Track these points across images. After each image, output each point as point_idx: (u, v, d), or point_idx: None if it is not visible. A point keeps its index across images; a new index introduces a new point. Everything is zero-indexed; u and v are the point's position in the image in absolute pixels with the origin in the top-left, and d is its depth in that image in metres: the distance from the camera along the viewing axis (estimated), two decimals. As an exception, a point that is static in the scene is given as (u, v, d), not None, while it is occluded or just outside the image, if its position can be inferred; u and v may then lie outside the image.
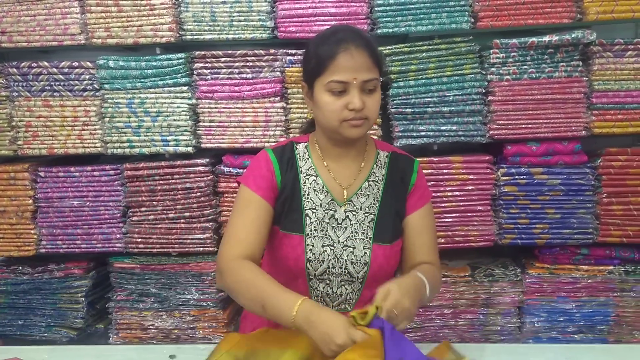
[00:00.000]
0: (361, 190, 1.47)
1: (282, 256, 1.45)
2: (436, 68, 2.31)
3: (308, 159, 1.50)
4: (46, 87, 2.42)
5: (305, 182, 1.46)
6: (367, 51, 1.36)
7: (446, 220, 2.37)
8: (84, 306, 2.49)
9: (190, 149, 2.40)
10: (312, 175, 1.48)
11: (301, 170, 1.48)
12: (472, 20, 2.30)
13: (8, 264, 2.59)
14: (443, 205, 2.37)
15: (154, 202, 2.42)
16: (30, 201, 2.45)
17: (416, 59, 2.30)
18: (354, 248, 1.43)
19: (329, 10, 2.33)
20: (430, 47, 2.29)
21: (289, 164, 1.48)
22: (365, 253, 1.43)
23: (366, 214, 1.46)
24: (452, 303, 2.42)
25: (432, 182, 2.36)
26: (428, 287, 1.35)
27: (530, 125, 2.31)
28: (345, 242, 1.43)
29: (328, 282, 1.44)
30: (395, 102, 2.33)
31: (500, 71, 2.30)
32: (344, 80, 1.34)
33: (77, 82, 2.40)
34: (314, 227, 1.43)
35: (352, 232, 1.44)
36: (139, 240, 2.44)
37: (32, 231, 2.47)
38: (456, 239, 2.38)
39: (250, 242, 1.40)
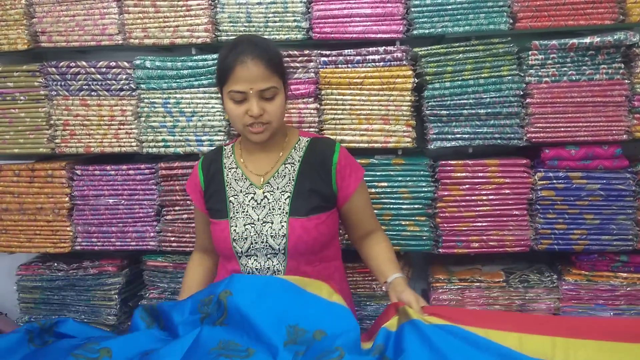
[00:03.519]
0: (278, 173, 1.66)
1: (215, 241, 1.71)
2: (473, 69, 2.27)
3: (231, 155, 1.73)
4: (84, 87, 2.45)
5: (228, 175, 1.69)
6: (263, 62, 1.52)
7: (481, 224, 2.33)
8: (117, 303, 2.51)
9: (223, 149, 2.40)
10: (233, 167, 1.70)
11: (225, 166, 1.71)
12: (511, 21, 2.26)
13: (44, 260, 2.64)
14: (478, 209, 2.33)
15: (187, 202, 2.43)
16: (67, 199, 2.49)
17: (452, 60, 2.27)
18: (272, 223, 1.62)
19: (364, 11, 2.31)
20: (467, 48, 2.25)
21: (213, 164, 1.74)
22: (283, 226, 1.60)
23: (282, 192, 1.63)
24: (485, 309, 2.37)
25: (467, 186, 2.32)
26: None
27: (569, 129, 2.26)
28: (264, 218, 1.61)
29: (255, 257, 1.64)
30: (430, 104, 2.29)
31: (539, 73, 2.25)
32: (242, 90, 1.52)
33: (114, 81, 2.43)
34: (236, 210, 1.64)
35: (269, 209, 1.62)
36: (172, 238, 2.45)
37: (68, 228, 2.51)
38: (491, 243, 2.34)
39: (198, 238, 1.91)
